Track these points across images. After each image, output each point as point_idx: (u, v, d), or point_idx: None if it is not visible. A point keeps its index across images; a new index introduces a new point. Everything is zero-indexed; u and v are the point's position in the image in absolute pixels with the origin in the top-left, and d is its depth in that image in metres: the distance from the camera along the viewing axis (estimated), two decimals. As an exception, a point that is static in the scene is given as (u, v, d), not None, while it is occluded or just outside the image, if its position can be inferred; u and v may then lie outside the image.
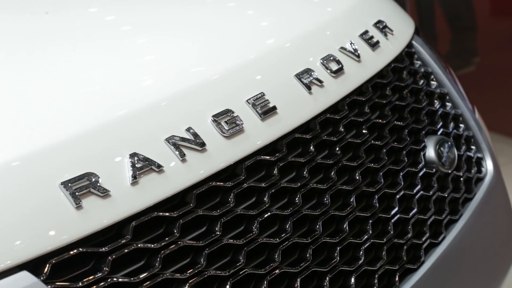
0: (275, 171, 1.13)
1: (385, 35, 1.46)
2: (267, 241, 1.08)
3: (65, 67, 1.13)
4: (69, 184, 0.91)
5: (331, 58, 1.30)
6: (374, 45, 1.41)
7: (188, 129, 1.04)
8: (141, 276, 0.93)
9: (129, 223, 0.94)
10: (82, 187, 0.91)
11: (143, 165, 0.97)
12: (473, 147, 1.59)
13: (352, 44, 1.36)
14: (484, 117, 1.73)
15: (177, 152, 1.01)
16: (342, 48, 1.34)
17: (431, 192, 1.39)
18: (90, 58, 1.16)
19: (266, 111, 1.14)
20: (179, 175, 1.00)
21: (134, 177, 0.96)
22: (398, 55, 1.48)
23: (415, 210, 1.33)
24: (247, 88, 1.15)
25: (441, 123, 1.51)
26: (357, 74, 1.34)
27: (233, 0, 1.47)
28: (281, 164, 1.14)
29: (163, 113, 1.05)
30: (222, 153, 1.06)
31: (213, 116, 1.08)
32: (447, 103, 1.58)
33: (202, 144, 1.04)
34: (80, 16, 1.35)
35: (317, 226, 1.15)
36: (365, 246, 1.21)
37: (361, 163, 1.26)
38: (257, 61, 1.22)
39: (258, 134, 1.12)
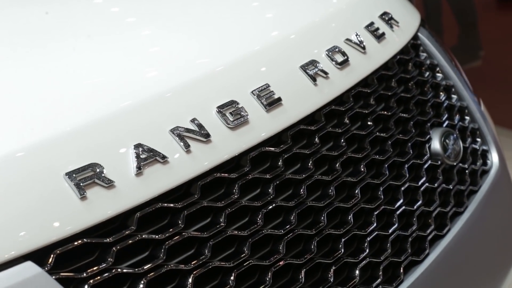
0: (280, 163, 1.13)
1: (391, 27, 1.46)
2: (272, 233, 1.08)
3: (70, 59, 1.13)
4: (74, 175, 0.91)
5: (337, 49, 1.30)
6: (379, 37, 1.40)
7: (193, 120, 1.04)
8: (145, 267, 0.93)
9: (133, 214, 0.95)
10: (86, 177, 0.91)
11: (147, 156, 0.97)
12: (478, 139, 1.58)
13: (357, 36, 1.36)
14: (490, 110, 1.73)
15: (181, 143, 1.01)
16: (347, 39, 1.34)
17: (436, 184, 1.38)
18: (94, 51, 1.16)
19: (271, 102, 1.14)
20: (183, 166, 1.00)
21: (139, 168, 0.96)
22: (403, 47, 1.48)
23: (420, 202, 1.33)
24: (252, 80, 1.15)
25: (446, 115, 1.51)
26: (362, 66, 1.33)
27: (238, -9, 1.47)
28: (285, 156, 1.14)
29: (168, 104, 1.05)
30: (226, 144, 1.06)
31: (218, 107, 1.08)
32: (453, 95, 1.57)
33: (207, 135, 1.04)
34: (83, 9, 1.34)
35: (322, 218, 1.15)
36: (370, 238, 1.21)
37: (366, 155, 1.26)
38: (262, 53, 1.22)
39: (263, 125, 1.11)
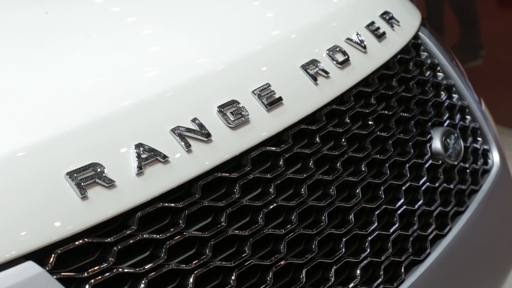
0: (281, 162, 1.13)
1: (392, 26, 1.46)
2: (273, 232, 1.08)
3: (70, 58, 1.13)
4: (75, 175, 0.90)
5: (337, 49, 1.30)
6: (380, 36, 1.40)
7: (194, 120, 1.04)
8: (146, 267, 0.93)
9: (134, 214, 0.94)
10: (87, 177, 0.91)
11: (148, 156, 0.97)
12: (479, 138, 1.58)
13: (358, 35, 1.36)
14: (490, 109, 1.73)
15: (182, 143, 1.01)
16: (348, 39, 1.34)
17: (437, 184, 1.38)
18: (94, 50, 1.16)
19: (272, 102, 1.14)
20: (184, 166, 1.00)
21: (140, 167, 0.96)
22: (404, 46, 1.48)
23: (421, 201, 1.33)
24: (253, 79, 1.15)
25: (447, 115, 1.51)
26: (363, 65, 1.33)
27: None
28: (286, 155, 1.14)
29: (169, 104, 1.05)
30: (227, 144, 1.06)
31: (219, 107, 1.08)
32: (454, 95, 1.57)
33: (208, 135, 1.04)
34: (83, 9, 1.34)
35: (323, 218, 1.15)
36: (371, 237, 1.20)
37: (367, 154, 1.26)
38: (262, 52, 1.21)
39: (264, 125, 1.11)
